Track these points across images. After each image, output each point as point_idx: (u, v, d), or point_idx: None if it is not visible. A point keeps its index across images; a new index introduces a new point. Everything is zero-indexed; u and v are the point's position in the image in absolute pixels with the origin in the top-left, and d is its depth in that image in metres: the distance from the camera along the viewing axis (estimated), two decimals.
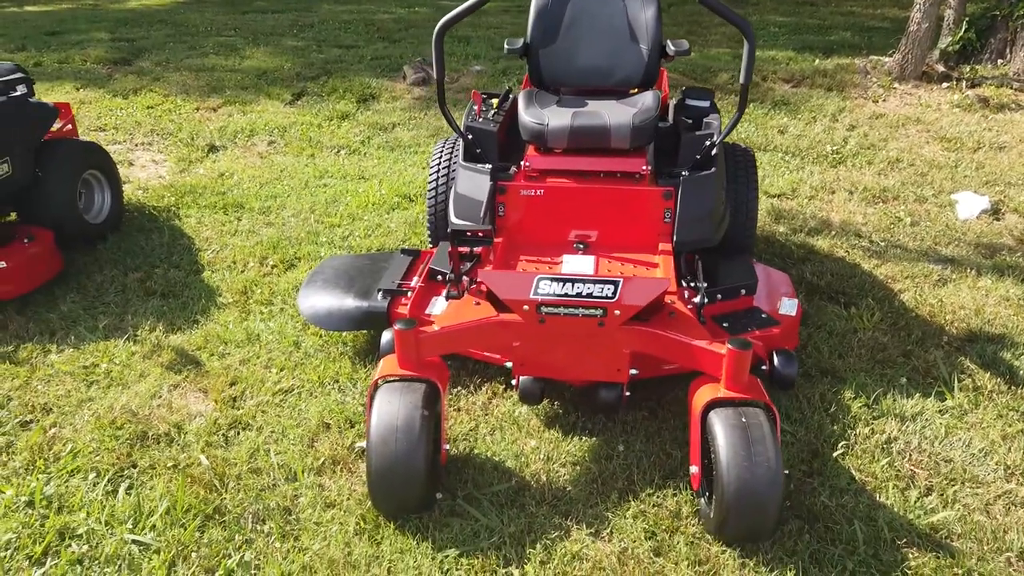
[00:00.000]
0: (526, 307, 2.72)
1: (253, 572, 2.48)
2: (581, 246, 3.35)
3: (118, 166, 5.04)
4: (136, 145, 6.42)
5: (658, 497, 2.74)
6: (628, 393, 2.95)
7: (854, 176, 5.62)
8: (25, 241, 3.98)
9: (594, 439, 3.01)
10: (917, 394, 3.25)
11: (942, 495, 2.75)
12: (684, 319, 2.82)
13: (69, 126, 4.82)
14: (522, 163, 3.45)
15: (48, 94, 7.40)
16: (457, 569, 2.47)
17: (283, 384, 3.35)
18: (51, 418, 3.18)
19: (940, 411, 3.17)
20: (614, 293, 2.68)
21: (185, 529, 2.61)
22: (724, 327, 3.26)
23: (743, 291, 3.41)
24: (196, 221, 4.92)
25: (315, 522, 2.65)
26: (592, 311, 2.70)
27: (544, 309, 2.71)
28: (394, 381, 2.67)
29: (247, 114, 7.07)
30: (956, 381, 3.30)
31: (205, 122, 6.87)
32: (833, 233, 4.73)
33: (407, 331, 2.66)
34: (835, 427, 3.06)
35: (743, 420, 2.48)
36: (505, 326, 2.78)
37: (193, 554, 2.53)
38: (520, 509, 2.70)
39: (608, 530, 2.62)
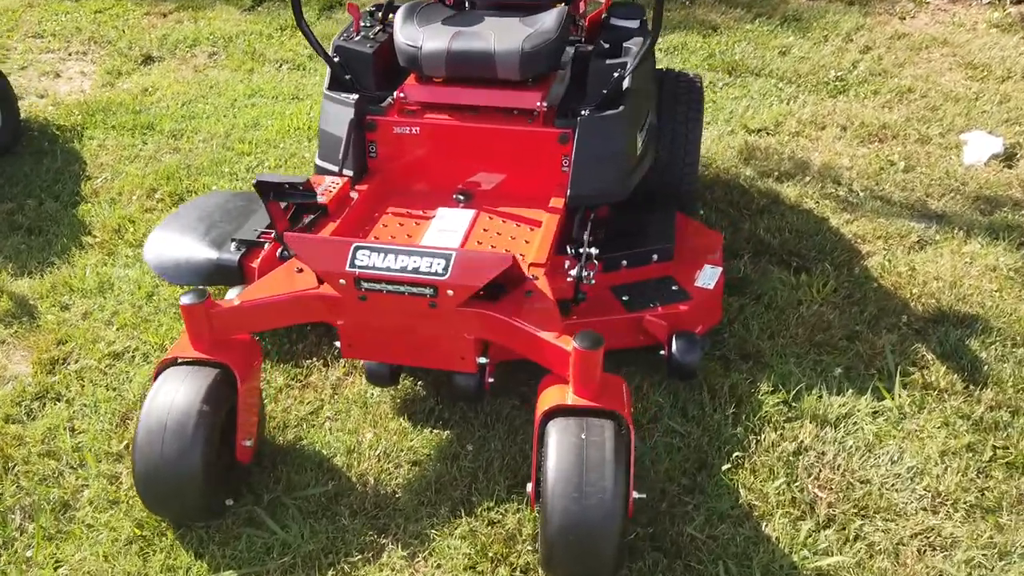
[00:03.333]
0: (342, 281, 2.22)
1: None
2: (462, 197, 2.81)
3: (44, 78, 4.57)
4: (69, 55, 5.92)
5: (498, 512, 2.29)
6: (492, 380, 2.46)
7: (853, 109, 4.86)
8: None
9: (445, 433, 2.55)
10: (850, 390, 2.70)
11: (843, 530, 2.24)
12: (540, 301, 2.29)
13: None
14: (397, 93, 2.88)
15: None
16: None
17: (118, 346, 2.94)
18: None
19: (873, 413, 2.62)
20: (445, 269, 2.16)
21: None
22: (624, 300, 2.72)
23: (655, 256, 2.85)
24: (98, 144, 4.45)
25: (88, 524, 2.28)
26: (421, 289, 2.19)
27: (364, 284, 2.21)
28: (181, 364, 2.23)
29: (197, 21, 6.48)
30: (902, 375, 2.74)
31: (150, 29, 6.31)
32: (808, 179, 4.06)
33: (195, 305, 2.19)
34: (736, 430, 2.54)
35: (582, 437, 1.99)
36: (322, 301, 2.29)
37: None
38: (331, 520, 2.27)
39: (426, 552, 2.19)
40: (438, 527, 2.25)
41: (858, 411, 2.62)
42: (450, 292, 2.18)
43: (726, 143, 4.37)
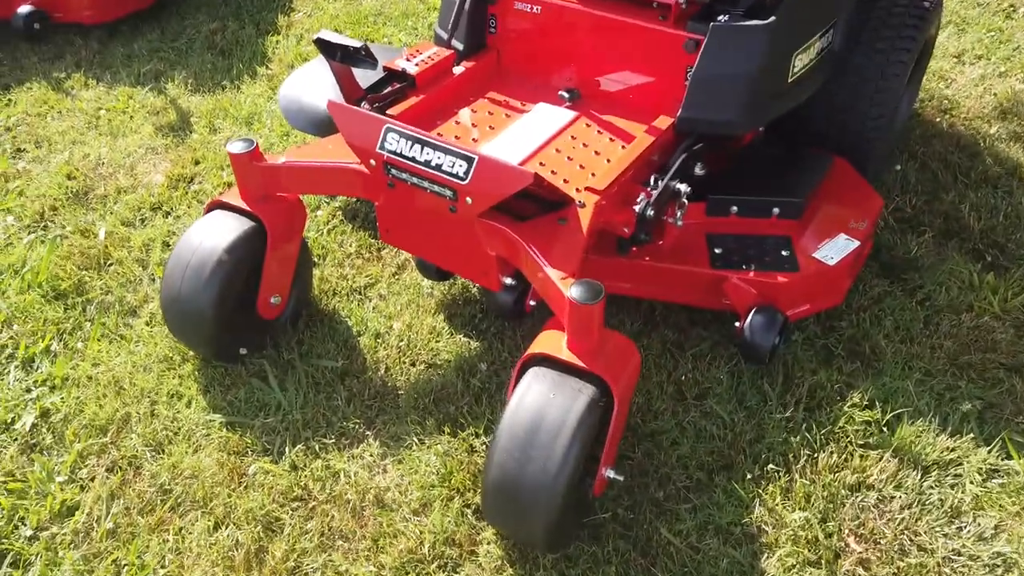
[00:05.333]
0: (372, 161, 2.08)
1: None
2: (567, 95, 2.49)
3: None
4: None
5: (482, 441, 2.13)
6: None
7: None
8: None
9: (473, 344, 2.40)
10: (971, 434, 2.11)
11: None
12: (570, 233, 1.98)
13: None
14: None
15: None
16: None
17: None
18: (36, 152, 3.27)
19: (987, 471, 2.04)
20: (466, 173, 1.92)
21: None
22: (714, 253, 2.31)
23: (775, 210, 2.36)
24: None
25: (137, 334, 2.48)
26: (441, 189, 1.99)
27: (392, 170, 2.06)
28: (223, 209, 2.27)
29: None
30: None
31: None
32: None
33: (241, 155, 2.19)
34: (792, 438, 2.11)
35: (550, 396, 1.75)
36: (360, 177, 2.18)
37: None
38: (328, 396, 2.26)
39: (397, 458, 2.12)
40: (419, 436, 2.15)
41: (967, 462, 2.05)
42: (469, 199, 1.96)
43: (987, 86, 3.47)
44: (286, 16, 4.14)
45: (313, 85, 2.97)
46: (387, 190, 2.12)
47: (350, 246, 2.76)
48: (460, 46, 2.59)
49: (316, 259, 2.69)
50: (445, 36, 2.58)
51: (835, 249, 2.33)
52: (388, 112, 2.34)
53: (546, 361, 1.82)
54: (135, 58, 3.86)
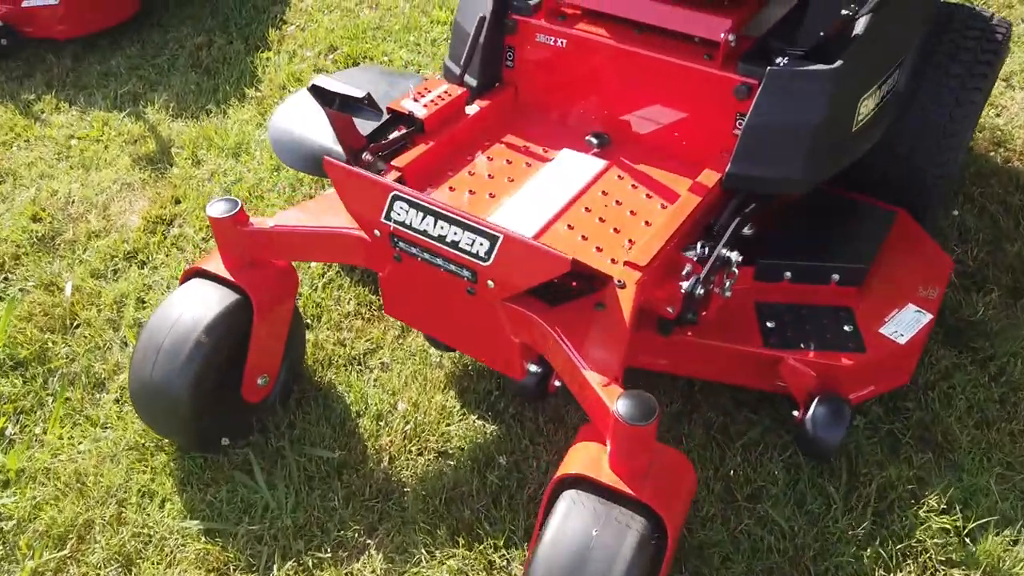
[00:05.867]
0: (377, 232, 1.78)
1: None
2: (595, 141, 2.18)
3: None
4: None
5: (502, 556, 1.84)
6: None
7: None
8: None
9: (489, 428, 2.10)
10: None
11: None
12: (609, 322, 1.68)
13: None
14: None
15: None
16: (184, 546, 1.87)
17: None
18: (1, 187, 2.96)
19: None
20: (488, 254, 1.62)
21: None
22: (767, 327, 2.01)
23: (835, 276, 2.07)
24: None
25: (105, 414, 2.17)
26: (458, 269, 1.69)
27: (400, 244, 1.75)
28: (203, 278, 1.96)
29: None
30: None
31: None
32: None
33: (223, 219, 1.88)
34: (863, 552, 1.82)
35: (592, 533, 1.45)
36: (358, 244, 1.87)
37: None
38: (323, 496, 1.96)
39: (403, 574, 1.82)
40: (429, 549, 1.85)
41: None
42: (490, 283, 1.66)
43: None
44: (277, 30, 3.81)
45: (307, 116, 2.64)
46: (393, 263, 1.82)
47: (347, 303, 2.45)
48: (473, 82, 2.28)
49: (309, 320, 2.39)
50: (457, 71, 2.27)
51: (904, 324, 2.03)
52: (394, 162, 2.03)
53: (583, 482, 1.53)
54: (112, 76, 3.54)
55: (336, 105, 1.92)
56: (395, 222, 1.72)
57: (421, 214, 1.68)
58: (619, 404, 1.45)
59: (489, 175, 2.10)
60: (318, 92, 1.88)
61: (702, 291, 1.78)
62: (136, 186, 2.94)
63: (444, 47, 3.63)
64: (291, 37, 3.78)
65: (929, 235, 2.28)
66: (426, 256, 1.73)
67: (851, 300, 2.08)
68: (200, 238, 2.71)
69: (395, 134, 2.11)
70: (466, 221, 1.63)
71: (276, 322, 2.00)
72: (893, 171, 2.34)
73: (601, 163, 2.13)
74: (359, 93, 1.85)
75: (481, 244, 1.62)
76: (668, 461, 1.56)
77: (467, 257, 1.64)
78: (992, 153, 3.00)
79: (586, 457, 1.56)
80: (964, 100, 2.27)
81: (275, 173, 2.97)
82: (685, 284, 1.78)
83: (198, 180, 2.95)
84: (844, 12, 1.89)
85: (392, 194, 1.71)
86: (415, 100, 2.14)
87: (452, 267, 1.70)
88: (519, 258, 1.60)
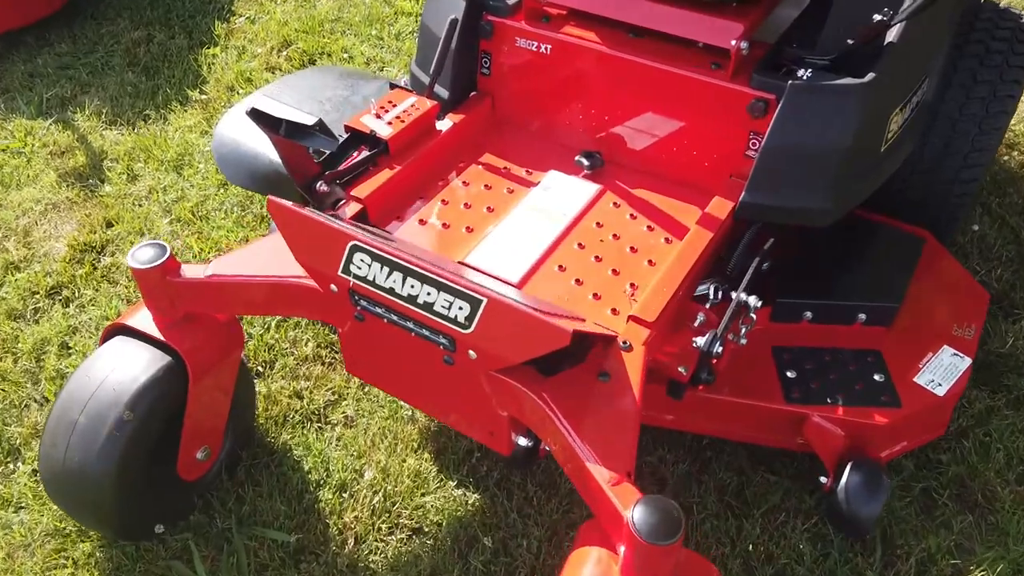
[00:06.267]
0: (333, 287, 1.48)
1: None
2: (586, 162, 1.90)
3: None
4: None
5: None
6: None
7: None
8: None
9: (471, 498, 1.82)
10: None
11: None
12: (616, 396, 1.40)
13: None
14: None
15: None
16: None
17: None
18: None
19: None
20: (469, 319, 1.33)
21: None
22: (787, 378, 1.75)
23: (861, 316, 1.82)
24: None
25: (19, 492, 1.85)
26: (432, 335, 1.40)
27: (362, 302, 1.46)
28: (127, 336, 1.65)
29: None
30: None
31: None
32: None
33: (147, 269, 1.57)
34: None
35: None
36: (312, 296, 1.57)
37: None
38: None
39: None
40: None
41: None
42: (472, 353, 1.37)
43: None
44: (225, 23, 3.46)
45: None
46: (354, 321, 1.53)
47: (305, 344, 2.15)
48: (445, 94, 1.98)
49: (260, 367, 2.09)
50: (426, 80, 1.96)
51: (942, 370, 1.79)
52: (354, 192, 1.73)
53: None
54: (38, 78, 3.17)
55: (282, 131, 1.60)
56: (355, 276, 1.42)
57: (387, 269, 1.39)
58: (636, 514, 1.18)
59: (465, 204, 1.80)
60: (259, 117, 1.57)
61: (720, 349, 1.51)
62: (62, 207, 2.60)
63: (410, 41, 3.31)
64: (240, 31, 3.43)
65: (958, 261, 2.04)
66: (394, 318, 1.44)
67: (879, 342, 1.83)
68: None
69: (356, 157, 1.80)
70: (442, 280, 1.34)
71: (217, 385, 1.69)
72: (913, 188, 2.09)
73: (594, 188, 1.85)
74: (309, 120, 1.55)
75: (460, 308, 1.33)
76: (691, 569, 1.29)
77: (443, 323, 1.35)
78: (1006, 158, 2.78)
79: (592, 564, 1.29)
80: (994, 110, 2.02)
81: (222, 190, 2.64)
82: (699, 340, 1.51)
83: (134, 199, 2.61)
84: (877, 17, 1.62)
85: (351, 244, 1.41)
86: (377, 117, 1.83)
87: (425, 332, 1.41)
88: (507, 327, 1.31)
